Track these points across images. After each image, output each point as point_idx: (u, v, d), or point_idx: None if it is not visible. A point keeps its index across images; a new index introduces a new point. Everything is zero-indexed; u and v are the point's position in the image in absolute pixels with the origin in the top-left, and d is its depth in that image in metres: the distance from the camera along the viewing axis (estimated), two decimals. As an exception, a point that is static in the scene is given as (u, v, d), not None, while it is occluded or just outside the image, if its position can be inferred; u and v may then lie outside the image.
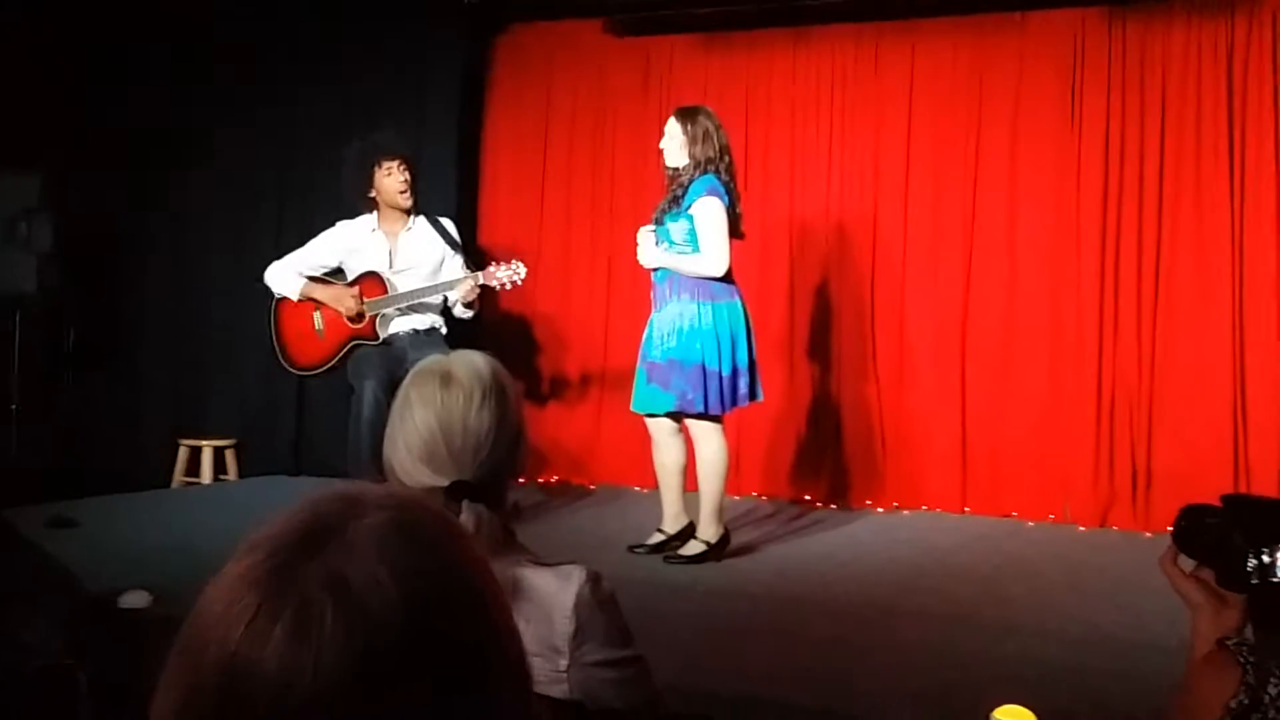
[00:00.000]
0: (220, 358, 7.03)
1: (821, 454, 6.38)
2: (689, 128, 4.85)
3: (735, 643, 3.78)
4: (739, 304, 4.88)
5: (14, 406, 5.92)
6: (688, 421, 4.86)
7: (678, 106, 5.05)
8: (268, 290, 5.54)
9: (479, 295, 5.35)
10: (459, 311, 5.43)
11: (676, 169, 4.89)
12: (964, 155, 6.23)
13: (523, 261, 5.32)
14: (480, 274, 5.29)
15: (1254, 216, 5.73)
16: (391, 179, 5.39)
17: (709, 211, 4.75)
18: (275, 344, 5.54)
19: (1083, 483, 5.89)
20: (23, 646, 2.63)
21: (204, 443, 6.64)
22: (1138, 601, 4.26)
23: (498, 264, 5.32)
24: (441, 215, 5.66)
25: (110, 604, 3.86)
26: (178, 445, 6.67)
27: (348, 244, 5.49)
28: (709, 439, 4.83)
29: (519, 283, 5.31)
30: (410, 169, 5.46)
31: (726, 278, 4.84)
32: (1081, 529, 5.75)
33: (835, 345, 6.43)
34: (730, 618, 4.11)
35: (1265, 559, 1.50)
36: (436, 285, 5.43)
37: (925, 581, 4.66)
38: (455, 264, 5.51)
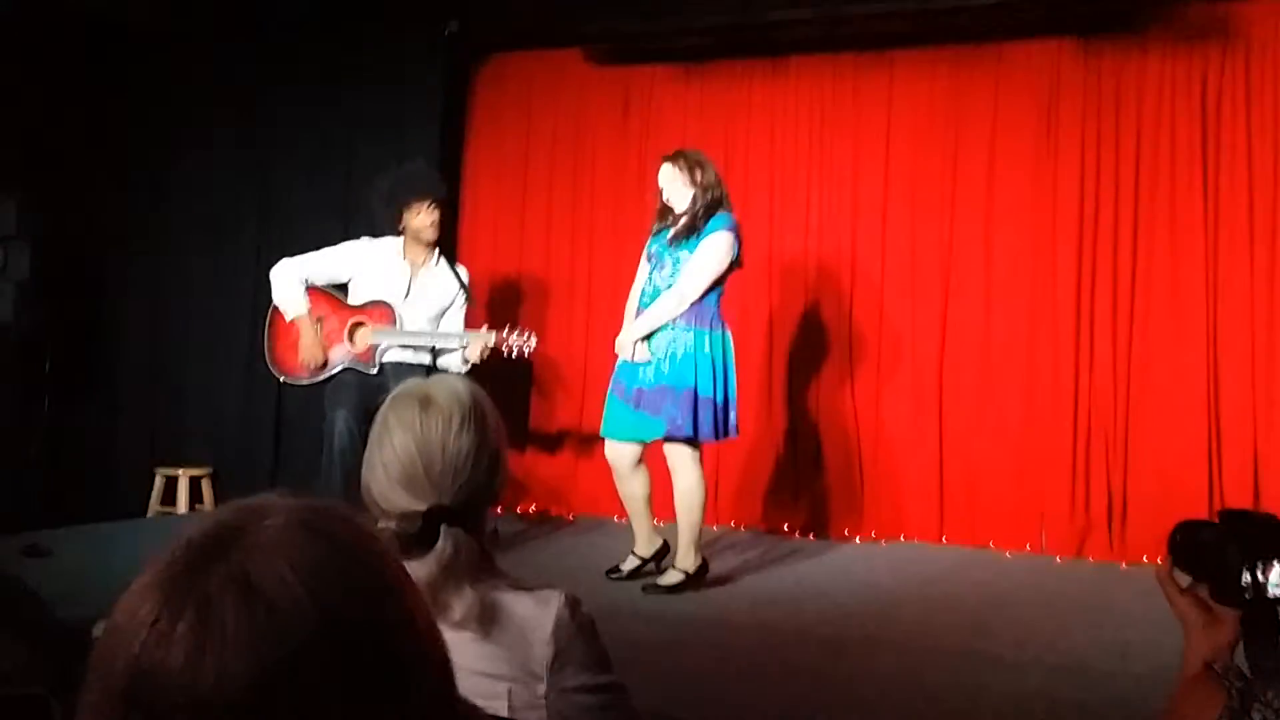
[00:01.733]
0: (198, 386, 7.01)
1: (799, 484, 6.38)
2: (695, 175, 4.84)
3: (714, 672, 3.77)
4: (729, 335, 4.91)
5: (-12, 435, 5.88)
6: (667, 449, 4.84)
7: (663, 154, 5.02)
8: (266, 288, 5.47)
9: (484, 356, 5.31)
10: (448, 361, 5.38)
11: (683, 209, 4.86)
12: (941, 184, 6.28)
13: (536, 335, 5.30)
14: (493, 335, 5.28)
15: (1228, 246, 5.78)
16: (420, 219, 5.39)
17: (713, 247, 4.76)
18: (268, 345, 5.48)
19: (1059, 513, 5.90)
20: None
21: (180, 471, 6.60)
22: (1115, 631, 4.27)
23: (511, 329, 5.31)
24: (461, 267, 5.67)
25: (84, 633, 3.84)
26: (154, 473, 6.62)
27: (367, 263, 5.42)
28: (687, 468, 4.82)
29: (528, 354, 5.30)
30: (440, 208, 5.45)
31: (718, 309, 4.86)
32: (1058, 559, 5.76)
33: (813, 375, 6.45)
34: (709, 647, 4.10)
35: (1260, 574, 1.49)
36: (446, 334, 5.41)
37: (903, 611, 4.66)
38: (459, 315, 5.50)
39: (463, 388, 1.86)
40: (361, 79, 6.82)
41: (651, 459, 4.95)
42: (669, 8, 6.23)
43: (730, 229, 4.80)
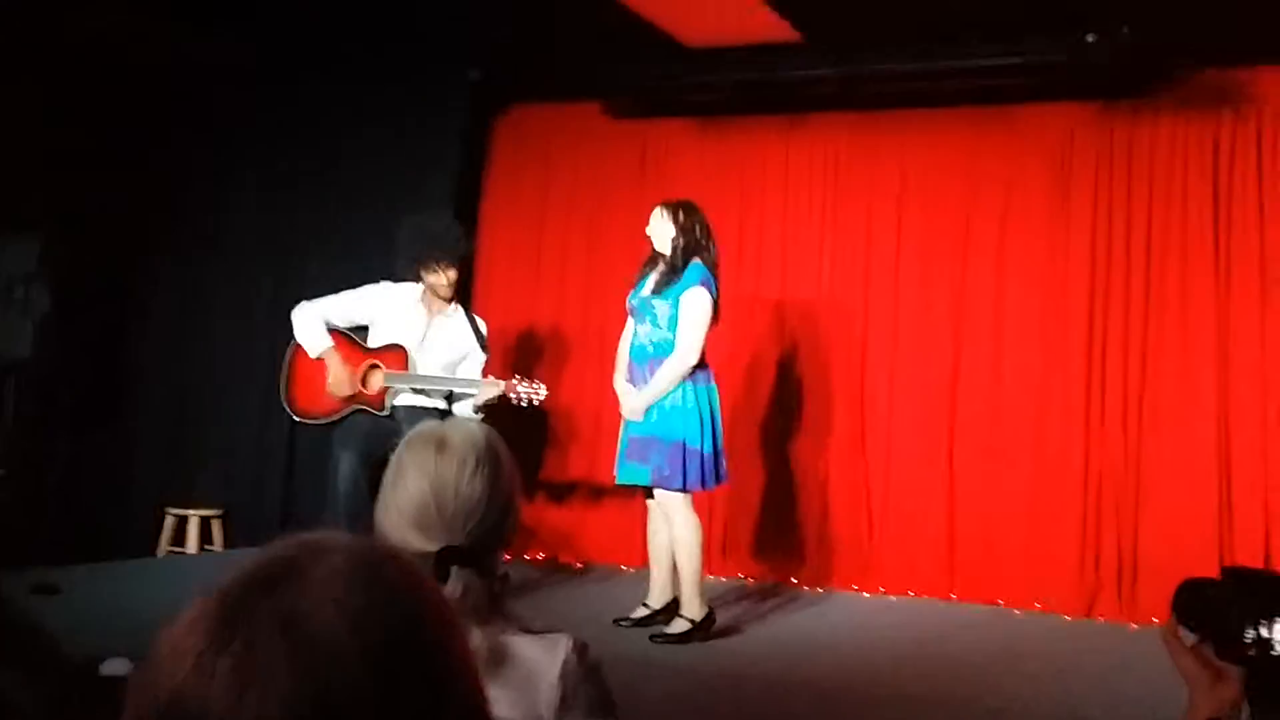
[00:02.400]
0: (211, 427, 7.04)
1: (808, 536, 6.38)
2: (679, 217, 5.03)
3: (719, 723, 3.76)
4: (715, 387, 5.03)
5: (2, 471, 5.89)
6: (657, 496, 4.94)
7: (663, 199, 5.22)
8: (289, 327, 5.53)
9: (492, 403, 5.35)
10: (462, 409, 5.40)
11: (665, 255, 5.05)
12: (954, 243, 6.31)
13: (545, 386, 5.33)
14: (502, 384, 5.31)
15: (1239, 309, 5.79)
16: (437, 278, 5.45)
17: (695, 305, 4.91)
18: (284, 384, 5.52)
19: (1068, 572, 5.88)
20: (6, 707, 2.62)
21: (190, 512, 6.62)
22: (1123, 691, 4.25)
23: (521, 378, 5.35)
24: (479, 317, 5.72)
25: (91, 671, 3.85)
26: (165, 514, 6.64)
27: (385, 307, 5.48)
28: (679, 515, 4.90)
29: (537, 403, 5.33)
30: (458, 267, 5.52)
31: (702, 362, 4.97)
32: (1068, 619, 5.74)
33: (824, 429, 6.46)
34: (714, 698, 4.10)
35: (1264, 632, 1.49)
36: (458, 380, 5.45)
37: (910, 667, 4.65)
38: (477, 364, 5.54)
39: (478, 431, 1.88)
40: (382, 127, 6.90)
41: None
42: (688, 63, 6.31)
43: (703, 282, 4.93)
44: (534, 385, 5.29)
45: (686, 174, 6.75)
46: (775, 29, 5.80)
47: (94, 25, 6.27)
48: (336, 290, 5.56)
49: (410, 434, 1.90)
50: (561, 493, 6.86)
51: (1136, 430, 5.90)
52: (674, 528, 4.91)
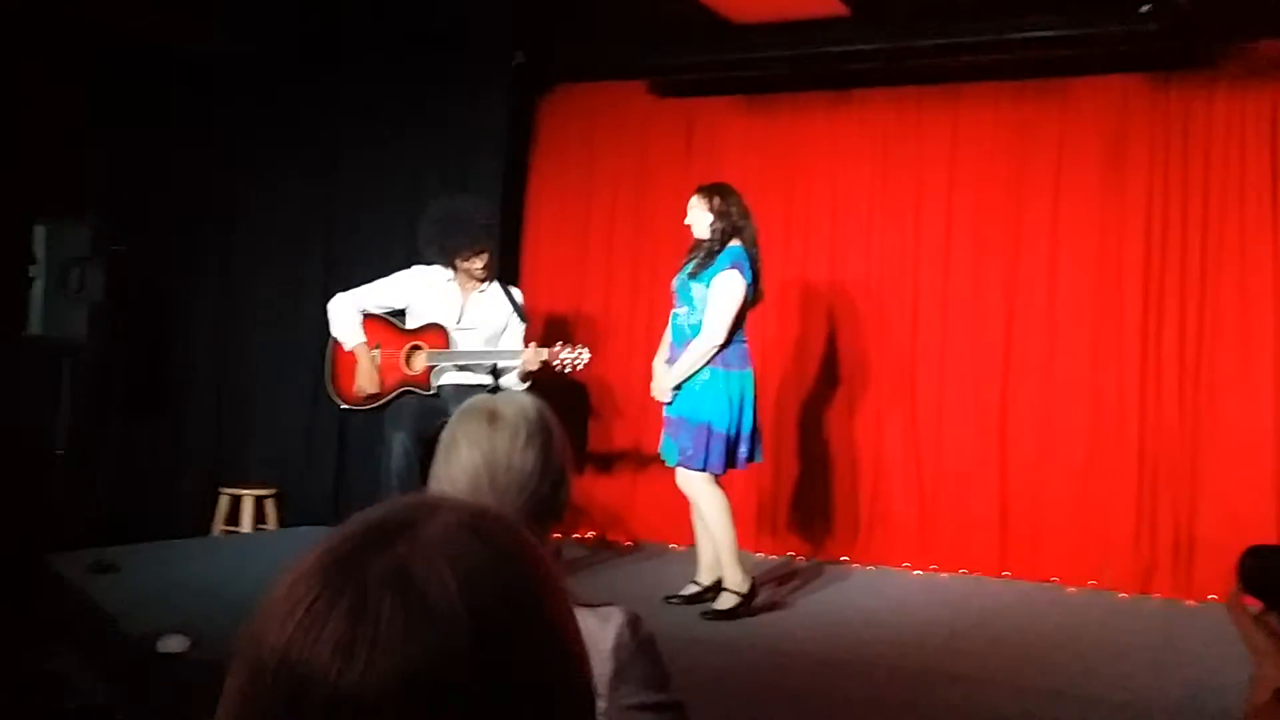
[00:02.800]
0: (263, 407, 7.10)
1: (860, 514, 6.35)
2: (714, 201, 5.07)
3: (769, 701, 3.76)
4: (749, 373, 5.07)
5: (59, 452, 5.98)
6: (679, 474, 5.02)
7: (699, 184, 5.27)
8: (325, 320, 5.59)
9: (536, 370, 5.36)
10: (510, 382, 5.41)
11: (703, 241, 5.09)
12: (1005, 220, 6.24)
13: (588, 349, 5.33)
14: (546, 350, 5.32)
15: (1298, 283, 5.69)
16: (470, 264, 5.48)
17: (725, 287, 4.96)
18: (329, 375, 5.59)
19: (1123, 549, 5.82)
20: (66, 686, 2.66)
21: (244, 492, 6.68)
22: (1180, 669, 4.21)
23: (563, 345, 5.35)
24: (515, 288, 5.75)
25: (149, 648, 3.90)
26: (218, 493, 6.72)
27: (420, 290, 5.53)
28: (701, 491, 4.98)
29: (580, 368, 5.33)
30: (490, 249, 5.54)
31: (741, 347, 5.04)
32: (1122, 595, 5.68)
33: (875, 406, 6.42)
34: (764, 676, 4.09)
35: None
36: (500, 352, 5.46)
37: (963, 644, 4.62)
38: (517, 334, 5.56)
39: (530, 404, 1.88)
40: (427, 110, 6.91)
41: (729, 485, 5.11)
42: (733, 39, 6.26)
43: (735, 264, 4.98)
44: (577, 351, 5.29)
45: (733, 152, 6.72)
46: (822, 4, 5.75)
47: (143, 23, 6.33)
48: (391, 272, 5.60)
49: (462, 407, 1.90)
50: (610, 471, 6.87)
51: (1193, 405, 5.82)
52: (698, 505, 5.01)
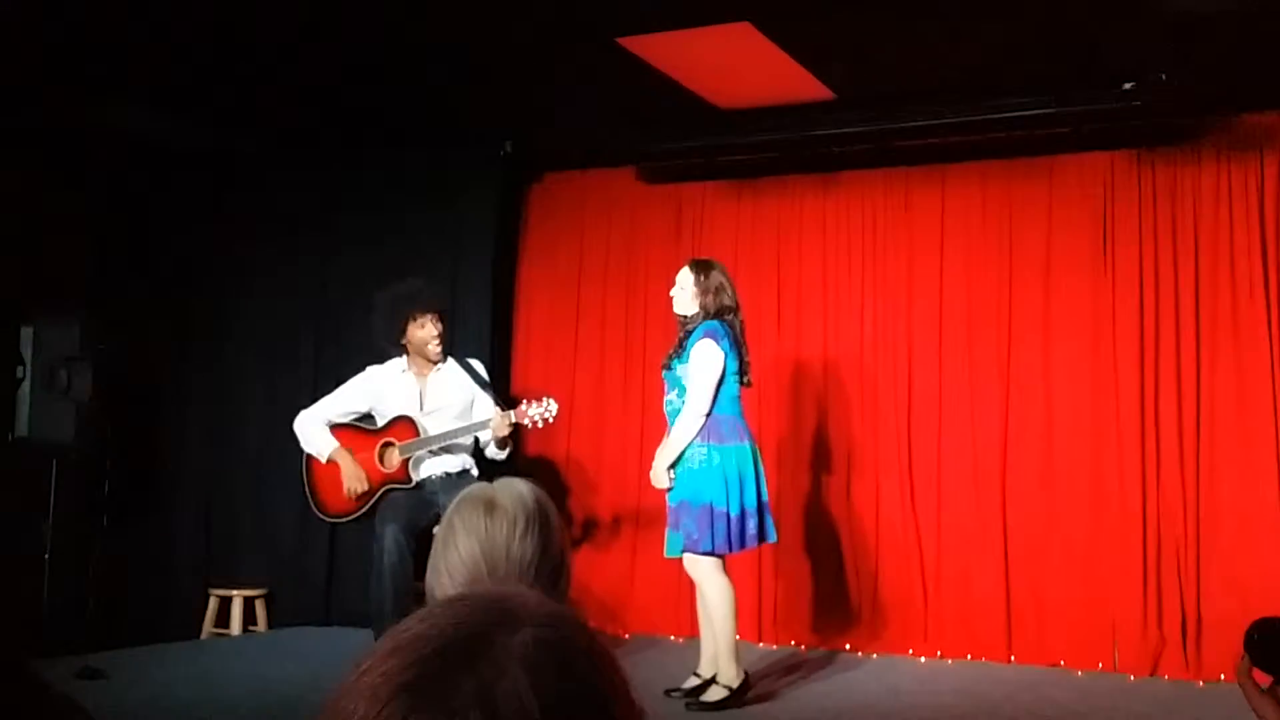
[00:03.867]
0: (252, 507, 7.01)
1: (861, 601, 6.25)
2: (702, 279, 5.03)
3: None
4: (748, 446, 4.96)
5: (46, 555, 5.88)
6: (686, 561, 4.89)
7: (691, 259, 5.24)
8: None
9: (511, 434, 5.35)
10: (491, 452, 5.43)
11: (685, 317, 5.05)
12: (997, 296, 6.23)
13: (554, 400, 5.30)
14: (512, 412, 5.29)
15: (1294, 354, 5.67)
16: (424, 331, 5.45)
17: (701, 357, 4.90)
18: (308, 490, 5.53)
19: (1131, 630, 5.73)
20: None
21: (234, 593, 6.58)
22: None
23: (529, 402, 5.31)
24: (474, 359, 5.70)
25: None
26: (208, 594, 6.60)
27: (378, 388, 5.53)
28: (710, 577, 4.86)
29: (550, 420, 5.29)
30: (443, 320, 5.51)
31: (734, 420, 4.93)
32: (1132, 678, 5.57)
33: (871, 489, 6.35)
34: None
35: None
36: (469, 426, 5.43)
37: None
38: (486, 403, 5.51)
39: (527, 491, 1.84)
40: (417, 200, 6.92)
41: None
42: (720, 125, 6.30)
43: (708, 333, 4.91)
44: (544, 403, 5.25)
45: (723, 235, 6.73)
46: (808, 88, 5.78)
47: (130, 120, 6.36)
48: (373, 363, 5.59)
49: (459, 496, 1.86)
50: (604, 561, 6.76)
51: (1194, 482, 5.76)
52: (704, 591, 4.88)
